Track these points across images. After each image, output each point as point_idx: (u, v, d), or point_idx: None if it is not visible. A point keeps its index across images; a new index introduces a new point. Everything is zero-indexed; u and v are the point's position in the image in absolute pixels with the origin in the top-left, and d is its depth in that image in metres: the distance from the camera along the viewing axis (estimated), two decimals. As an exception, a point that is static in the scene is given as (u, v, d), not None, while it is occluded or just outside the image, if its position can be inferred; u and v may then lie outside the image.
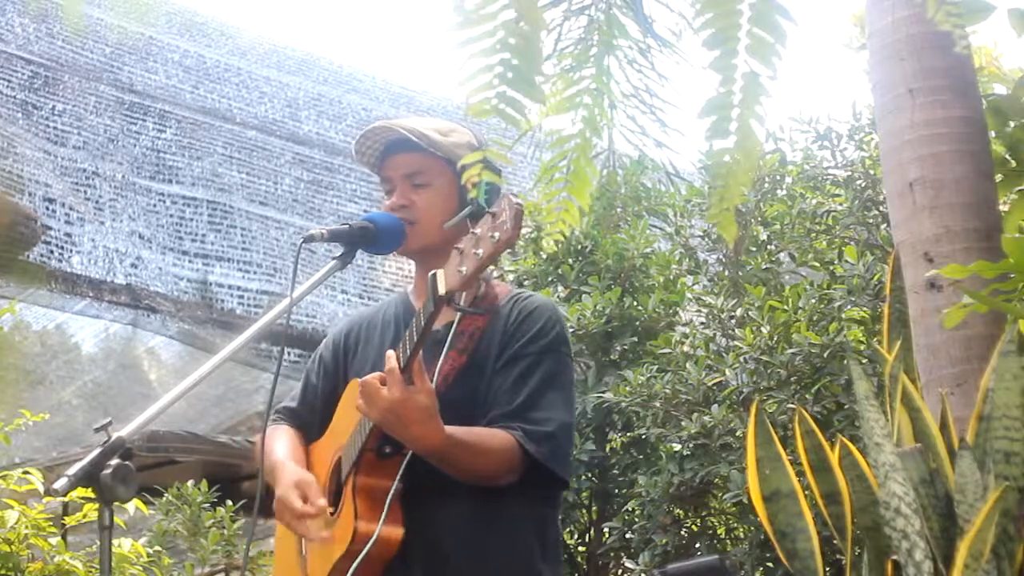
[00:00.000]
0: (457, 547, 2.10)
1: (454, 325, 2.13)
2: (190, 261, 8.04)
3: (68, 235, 7.45)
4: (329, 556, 2.09)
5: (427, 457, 2.01)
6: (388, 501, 2.04)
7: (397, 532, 2.05)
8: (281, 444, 2.28)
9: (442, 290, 1.81)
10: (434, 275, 1.83)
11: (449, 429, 1.97)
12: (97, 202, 7.76)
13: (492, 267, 1.99)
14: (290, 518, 2.08)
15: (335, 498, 2.15)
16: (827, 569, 2.63)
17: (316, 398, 2.36)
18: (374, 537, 2.02)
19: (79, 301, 7.56)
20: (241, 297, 8.10)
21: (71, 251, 7.41)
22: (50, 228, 7.28)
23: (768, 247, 4.82)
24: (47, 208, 7.39)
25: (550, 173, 1.07)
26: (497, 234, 1.73)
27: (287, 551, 2.31)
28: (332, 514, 2.13)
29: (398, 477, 2.06)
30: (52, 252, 7.28)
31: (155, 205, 8.10)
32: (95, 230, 7.59)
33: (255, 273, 8.25)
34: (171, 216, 8.15)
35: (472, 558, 2.10)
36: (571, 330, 4.66)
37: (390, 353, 1.93)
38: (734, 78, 0.91)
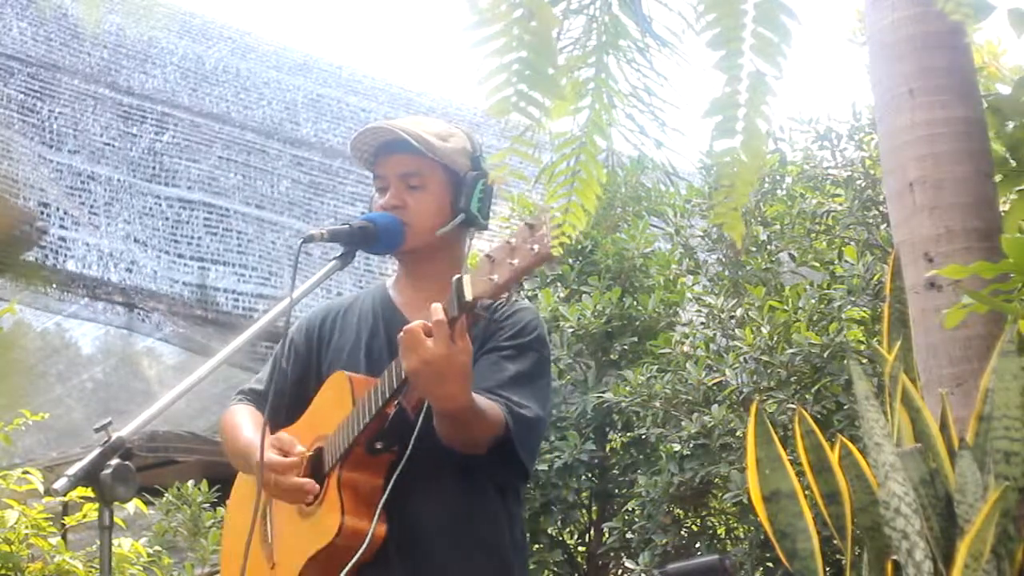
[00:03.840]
0: (437, 540, 2.11)
1: None
2: (185, 264, 8.04)
3: (63, 239, 7.45)
4: (308, 545, 2.08)
5: (445, 415, 1.99)
6: (381, 503, 2.04)
7: (380, 529, 2.05)
8: (248, 425, 2.24)
9: (469, 296, 1.81)
10: (459, 279, 1.83)
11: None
12: (92, 206, 7.76)
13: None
14: (276, 475, 2.06)
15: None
16: (827, 569, 2.63)
17: (285, 383, 2.34)
18: (368, 537, 2.02)
19: (72, 304, 7.58)
20: (236, 300, 8.09)
21: (65, 255, 7.42)
22: (45, 232, 7.28)
23: (768, 247, 4.82)
24: (42, 212, 7.40)
25: (557, 176, 1.07)
26: (537, 247, 1.71)
27: (242, 537, 2.29)
28: (310, 504, 2.13)
29: (393, 479, 2.05)
30: (47, 256, 7.29)
31: (151, 208, 8.10)
32: (90, 234, 7.60)
33: (250, 276, 8.25)
34: (167, 219, 8.15)
35: (452, 554, 2.11)
36: (571, 330, 4.66)
37: (436, 306, 1.89)
38: (740, 78, 0.91)
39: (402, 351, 1.91)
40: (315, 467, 2.16)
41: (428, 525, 2.11)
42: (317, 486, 2.09)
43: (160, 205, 8.18)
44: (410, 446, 2.04)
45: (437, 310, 1.88)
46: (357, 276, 8.60)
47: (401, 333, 1.91)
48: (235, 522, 2.36)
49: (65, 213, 7.56)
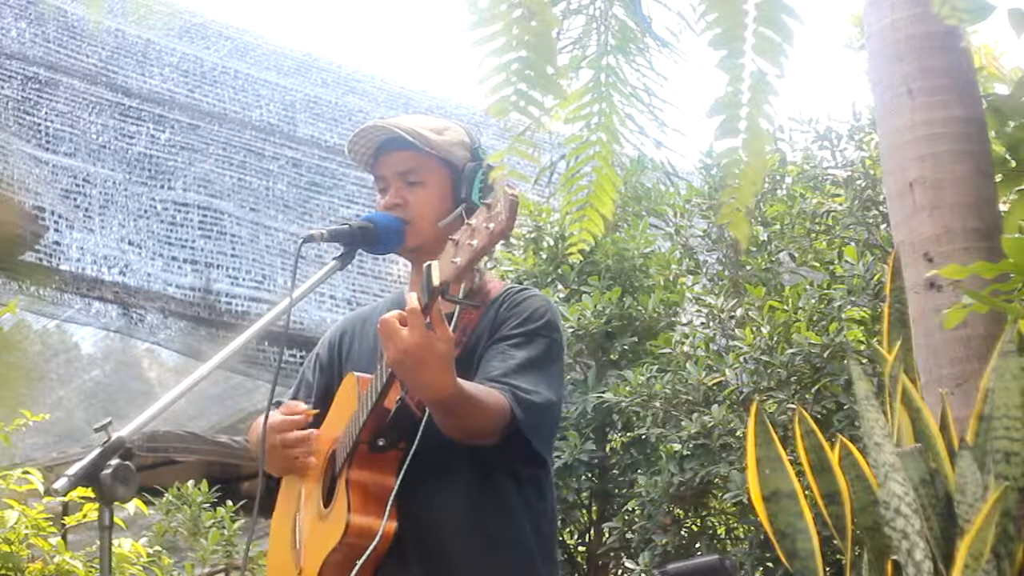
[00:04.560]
0: (453, 537, 2.10)
1: (454, 319, 2.14)
2: (179, 267, 8.04)
3: (57, 243, 7.46)
4: (323, 547, 2.09)
5: (434, 406, 1.98)
6: (390, 501, 2.04)
7: (390, 526, 2.05)
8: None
9: (436, 281, 1.81)
10: (429, 266, 1.83)
11: (459, 380, 1.95)
12: (87, 209, 7.76)
13: (487, 260, 2.00)
14: (280, 434, 2.11)
15: (330, 491, 2.15)
16: (827, 569, 2.64)
17: (311, 394, 2.37)
18: (378, 536, 2.02)
19: (67, 309, 7.59)
20: (229, 303, 8.11)
21: (59, 258, 7.43)
22: (40, 237, 7.30)
23: (768, 247, 4.83)
24: (36, 216, 7.41)
25: (574, 181, 1.07)
26: (492, 224, 1.72)
27: (281, 545, 2.32)
28: (326, 507, 2.14)
29: (400, 475, 2.05)
30: (41, 260, 7.30)
31: (145, 211, 8.09)
32: (84, 238, 7.60)
33: (244, 280, 8.26)
34: (161, 222, 8.14)
35: (468, 549, 2.10)
36: (571, 330, 4.66)
37: (411, 295, 1.90)
38: (742, 77, 0.91)
39: (382, 342, 1.91)
40: (331, 470, 2.17)
41: (442, 521, 2.10)
42: (315, 433, 2.12)
43: (155, 207, 8.18)
44: (416, 441, 2.04)
45: (411, 299, 1.89)
46: (351, 279, 8.60)
47: (378, 325, 1.92)
48: (277, 532, 2.38)
49: (60, 217, 7.56)
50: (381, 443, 2.07)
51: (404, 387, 2.05)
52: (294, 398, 2.39)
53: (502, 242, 1.77)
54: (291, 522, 2.30)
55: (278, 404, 2.41)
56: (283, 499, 2.37)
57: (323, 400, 2.33)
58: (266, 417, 2.15)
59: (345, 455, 2.08)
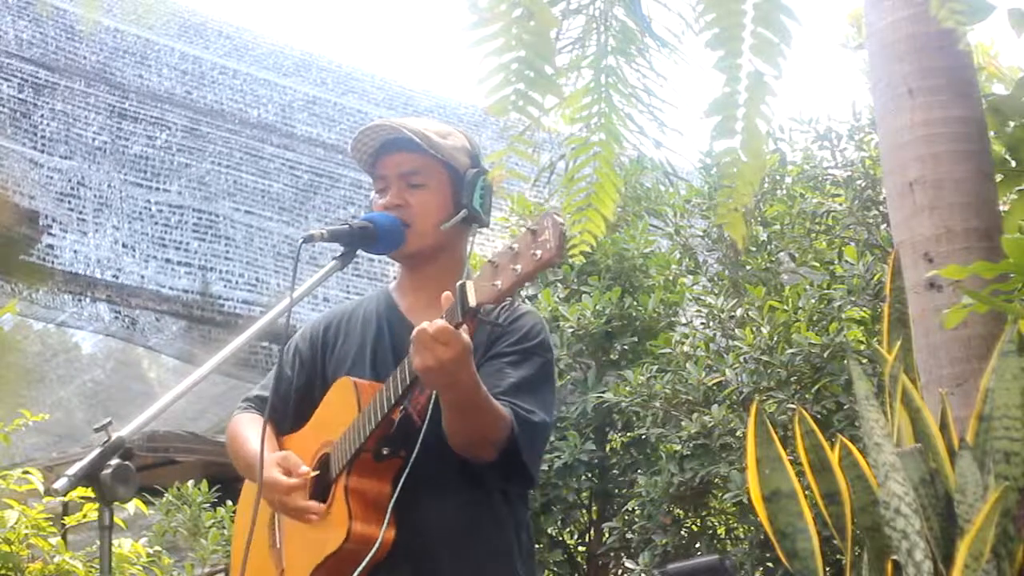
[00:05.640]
0: (445, 548, 2.11)
1: None
2: (173, 269, 8.05)
3: (51, 246, 7.47)
4: (316, 551, 2.08)
5: (455, 406, 1.98)
6: (389, 508, 2.04)
7: (389, 534, 2.05)
8: (254, 435, 2.21)
9: (473, 302, 1.81)
10: (463, 285, 1.82)
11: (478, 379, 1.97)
12: (81, 212, 7.76)
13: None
14: (280, 496, 2.07)
15: (321, 494, 2.14)
16: (827, 569, 2.63)
17: (290, 390, 2.33)
18: (378, 542, 2.01)
19: (60, 312, 7.60)
20: (223, 305, 8.11)
21: (52, 261, 7.44)
22: (36, 240, 7.31)
23: (768, 247, 4.82)
24: (31, 218, 7.42)
25: (574, 183, 1.07)
26: (539, 252, 1.71)
27: (257, 544, 2.28)
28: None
29: (399, 483, 2.05)
30: (34, 263, 7.32)
31: (140, 213, 8.09)
32: (78, 240, 7.61)
33: (238, 282, 8.27)
34: (156, 224, 8.14)
35: (461, 561, 2.11)
36: (571, 330, 4.66)
37: (447, 294, 1.89)
38: (739, 78, 0.91)
39: (416, 352, 1.89)
40: (322, 473, 2.15)
41: (436, 532, 2.10)
42: (322, 507, 2.09)
43: (150, 210, 8.19)
44: (415, 450, 2.03)
45: (448, 298, 1.88)
46: (346, 281, 8.60)
47: (415, 333, 1.90)
48: (243, 527, 2.36)
49: (54, 220, 7.57)
50: (385, 452, 2.07)
51: (408, 396, 2.05)
52: (274, 392, 2.31)
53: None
54: (268, 520, 2.28)
55: (254, 399, 2.39)
56: (252, 493, 2.33)
57: (301, 394, 2.31)
58: (265, 421, 2.15)
59: (344, 462, 2.07)
